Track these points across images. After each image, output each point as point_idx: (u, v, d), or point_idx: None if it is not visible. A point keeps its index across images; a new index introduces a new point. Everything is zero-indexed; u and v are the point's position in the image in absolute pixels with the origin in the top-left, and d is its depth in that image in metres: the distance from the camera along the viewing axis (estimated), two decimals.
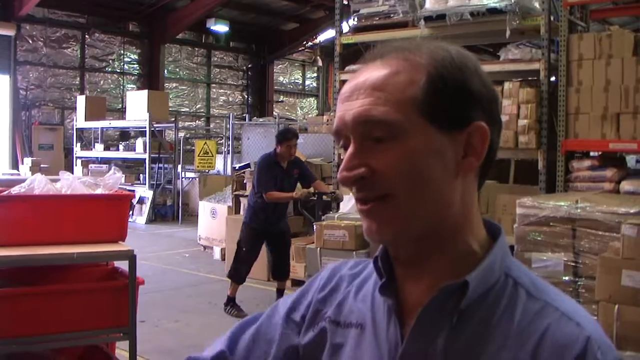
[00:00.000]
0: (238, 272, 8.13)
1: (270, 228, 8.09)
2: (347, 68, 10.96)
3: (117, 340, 4.31)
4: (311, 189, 8.18)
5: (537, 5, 8.52)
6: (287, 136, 8.02)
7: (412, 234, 1.09)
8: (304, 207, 8.84)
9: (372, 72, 1.10)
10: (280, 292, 8.34)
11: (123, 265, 4.16)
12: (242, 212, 10.78)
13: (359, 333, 1.20)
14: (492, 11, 8.52)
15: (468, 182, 1.12)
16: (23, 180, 4.12)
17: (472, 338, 1.06)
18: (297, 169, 8.15)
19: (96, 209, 4.03)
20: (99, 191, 4.07)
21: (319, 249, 7.79)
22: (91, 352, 4.26)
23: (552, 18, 8.43)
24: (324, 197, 8.58)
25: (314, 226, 6.54)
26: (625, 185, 7.76)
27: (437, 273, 1.11)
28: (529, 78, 8.95)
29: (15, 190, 3.92)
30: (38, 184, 3.91)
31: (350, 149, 1.09)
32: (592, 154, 8.61)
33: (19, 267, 3.96)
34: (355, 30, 10.73)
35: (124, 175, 17.33)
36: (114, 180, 4.17)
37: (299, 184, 8.34)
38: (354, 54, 12.65)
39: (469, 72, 1.10)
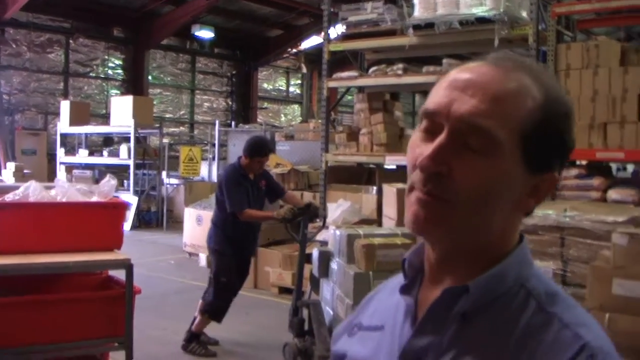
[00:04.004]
0: (217, 308, 6.98)
1: (246, 251, 7.13)
2: (334, 75, 10.98)
3: (112, 350, 4.28)
4: (294, 207, 6.89)
5: (525, 15, 8.60)
6: (263, 151, 7.00)
7: (453, 241, 1.11)
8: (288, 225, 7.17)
9: (495, 77, 1.08)
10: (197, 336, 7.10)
11: (117, 273, 4.13)
12: None
13: (379, 334, 1.24)
14: (481, 20, 8.59)
15: (519, 217, 1.15)
16: (11, 187, 4.09)
17: (474, 340, 1.07)
18: (264, 180, 7.17)
19: (92, 216, 4.00)
20: (94, 199, 4.05)
21: (370, 273, 5.88)
22: None
23: (540, 28, 8.50)
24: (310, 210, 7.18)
25: (355, 245, 5.64)
26: (612, 194, 7.81)
27: (458, 281, 1.12)
28: None
29: (9, 197, 3.89)
30: (33, 191, 3.88)
31: (443, 140, 1.07)
32: (579, 162, 8.66)
33: (13, 276, 3.91)
34: (344, 37, 10.77)
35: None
36: (109, 188, 4.14)
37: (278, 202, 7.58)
38: (341, 61, 12.70)
39: (570, 122, 1.12)
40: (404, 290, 1.21)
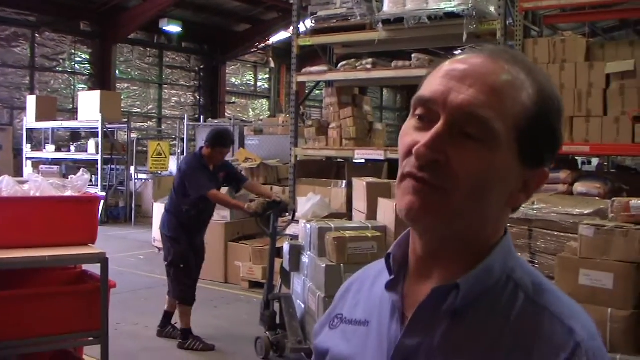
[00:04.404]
0: (186, 293, 7.06)
1: (197, 238, 7.21)
2: (304, 70, 11.00)
3: (88, 344, 4.28)
4: (265, 201, 6.95)
5: (493, 10, 8.70)
6: (224, 143, 7.06)
7: (446, 231, 1.10)
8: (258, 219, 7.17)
9: (492, 69, 1.08)
10: (170, 316, 7.36)
11: (90, 267, 4.13)
12: None
13: (364, 329, 1.22)
14: (450, 15, 8.67)
15: (508, 211, 1.15)
16: None
17: (466, 337, 1.07)
18: (223, 172, 7.24)
19: (66, 211, 3.99)
20: (67, 193, 4.04)
21: (342, 265, 5.87)
22: (60, 357, 4.22)
23: (507, 23, 8.60)
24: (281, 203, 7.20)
25: (327, 238, 5.63)
26: (579, 187, 7.95)
27: (447, 274, 1.12)
28: None
29: None
30: (6, 186, 3.86)
31: (440, 129, 1.06)
32: None
33: None
34: (313, 32, 10.78)
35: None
36: (82, 182, 4.13)
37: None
38: (310, 55, 12.72)
39: (562, 118, 1.14)
40: (390, 286, 1.19)
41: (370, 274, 1.33)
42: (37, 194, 3.91)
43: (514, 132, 1.07)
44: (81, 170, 4.34)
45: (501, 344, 1.05)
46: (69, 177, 4.37)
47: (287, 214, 7.76)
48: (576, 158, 9.48)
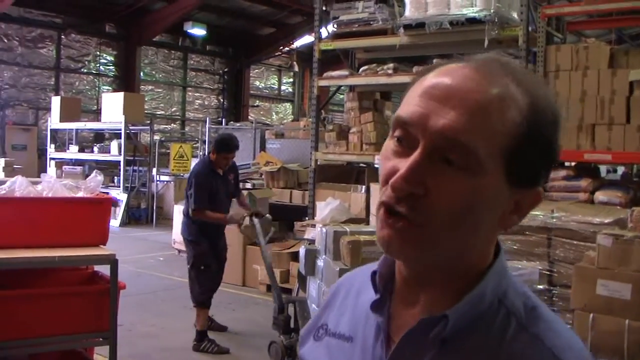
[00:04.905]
0: (204, 295, 7.14)
1: (217, 241, 7.30)
2: (325, 74, 10.99)
3: (96, 345, 4.28)
4: (244, 212, 7.22)
5: (515, 16, 8.62)
6: (228, 148, 7.16)
7: (429, 261, 1.04)
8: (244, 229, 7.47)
9: (477, 85, 0.99)
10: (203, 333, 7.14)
11: (102, 269, 4.13)
12: None
13: (348, 346, 1.18)
14: (471, 21, 8.61)
15: (499, 232, 1.06)
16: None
17: None
18: (233, 174, 7.44)
19: (77, 212, 4.00)
20: (80, 194, 4.05)
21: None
22: (70, 356, 4.23)
23: (530, 29, 8.53)
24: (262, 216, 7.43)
25: (341, 242, 5.85)
26: (600, 196, 7.85)
27: (435, 300, 1.06)
28: None
29: None
30: (19, 186, 3.88)
31: (417, 157, 0.97)
32: (567, 164, 8.70)
33: None
34: (335, 36, 10.77)
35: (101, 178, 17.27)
36: (95, 183, 4.14)
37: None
38: (332, 60, 12.70)
39: (557, 129, 1.03)
40: (375, 307, 1.12)
41: (357, 280, 1.27)
42: (50, 195, 3.92)
43: (501, 154, 0.98)
44: (94, 171, 4.34)
45: None
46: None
47: (272, 228, 7.89)
48: (598, 166, 9.35)
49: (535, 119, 0.99)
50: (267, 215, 7.60)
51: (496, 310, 1.04)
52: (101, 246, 4.04)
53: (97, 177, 4.18)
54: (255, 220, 7.11)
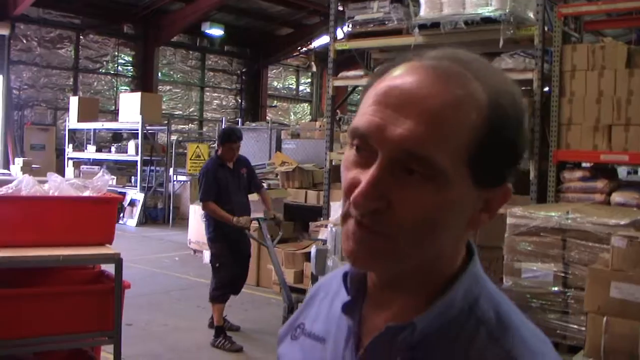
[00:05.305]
0: (218, 290, 7.30)
1: (234, 238, 7.29)
2: (340, 74, 10.96)
3: (101, 344, 4.28)
4: (252, 219, 7.34)
5: (531, 15, 8.54)
6: (231, 138, 7.30)
7: (397, 270, 1.03)
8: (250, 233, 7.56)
9: (433, 88, 0.95)
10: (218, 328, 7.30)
11: (110, 268, 4.12)
12: None
13: (320, 347, 1.17)
14: (487, 20, 8.53)
15: (468, 233, 1.05)
16: (5, 181, 4.09)
17: None
18: (244, 168, 7.50)
19: (83, 211, 3.99)
20: (87, 193, 4.04)
21: None
22: (76, 355, 4.22)
23: (546, 28, 8.45)
24: (266, 219, 7.59)
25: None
26: (616, 197, 7.77)
27: (405, 305, 1.04)
28: (522, 88, 8.95)
29: (2, 191, 3.89)
30: (25, 185, 3.88)
31: (376, 171, 0.95)
32: (583, 164, 8.61)
33: (2, 269, 3.91)
34: (350, 36, 10.72)
35: (114, 178, 17.35)
36: (102, 183, 4.13)
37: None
38: (348, 60, 12.66)
39: (521, 123, 1.00)
40: (346, 310, 1.10)
41: (335, 282, 1.24)
42: (56, 194, 3.92)
43: (465, 160, 0.94)
44: (101, 170, 4.35)
45: None
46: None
47: (280, 232, 7.94)
48: (616, 167, 9.25)
49: (497, 118, 0.96)
50: (278, 215, 7.74)
51: (466, 317, 1.01)
52: (107, 245, 4.03)
53: (103, 177, 4.17)
54: (263, 224, 7.34)
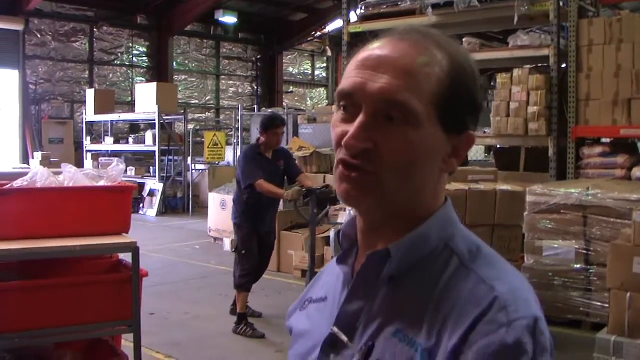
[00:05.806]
0: (243, 277, 7.27)
1: (261, 226, 7.33)
2: None
3: (121, 332, 4.28)
4: (302, 188, 7.19)
5: None
6: (274, 123, 7.31)
7: (385, 209, 1.17)
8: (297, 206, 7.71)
9: (402, 52, 1.14)
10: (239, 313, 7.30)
11: (127, 257, 4.12)
12: None
13: (323, 305, 1.30)
14: None
15: (444, 177, 1.22)
16: (21, 173, 4.09)
17: (401, 302, 1.13)
18: (282, 160, 7.43)
19: (98, 201, 3.99)
20: (101, 183, 4.03)
21: None
22: (96, 345, 4.23)
23: (561, 3, 8.34)
24: (318, 192, 7.33)
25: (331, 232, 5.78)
26: (637, 172, 7.69)
27: (388, 242, 1.17)
28: (539, 64, 8.86)
29: (17, 183, 3.89)
30: (40, 176, 3.88)
31: (362, 119, 1.12)
32: (602, 140, 8.53)
33: (21, 260, 3.92)
34: (363, 18, 10.67)
35: (132, 168, 17.42)
36: (116, 172, 4.12)
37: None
38: (362, 43, 12.60)
39: (476, 80, 1.19)
40: (340, 260, 1.27)
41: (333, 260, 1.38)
42: (70, 184, 3.91)
43: (433, 106, 1.12)
44: (116, 160, 4.34)
45: (428, 307, 1.09)
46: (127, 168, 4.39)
47: (337, 203, 7.85)
48: (637, 142, 9.14)
49: (455, 75, 1.15)
50: (331, 185, 7.37)
51: (441, 252, 1.16)
52: (123, 234, 4.03)
53: (118, 166, 4.16)
54: (312, 196, 7.15)
